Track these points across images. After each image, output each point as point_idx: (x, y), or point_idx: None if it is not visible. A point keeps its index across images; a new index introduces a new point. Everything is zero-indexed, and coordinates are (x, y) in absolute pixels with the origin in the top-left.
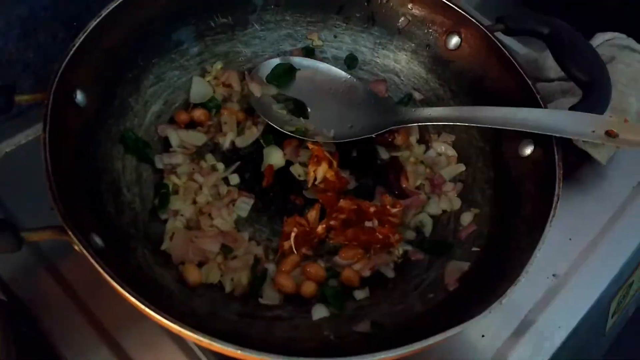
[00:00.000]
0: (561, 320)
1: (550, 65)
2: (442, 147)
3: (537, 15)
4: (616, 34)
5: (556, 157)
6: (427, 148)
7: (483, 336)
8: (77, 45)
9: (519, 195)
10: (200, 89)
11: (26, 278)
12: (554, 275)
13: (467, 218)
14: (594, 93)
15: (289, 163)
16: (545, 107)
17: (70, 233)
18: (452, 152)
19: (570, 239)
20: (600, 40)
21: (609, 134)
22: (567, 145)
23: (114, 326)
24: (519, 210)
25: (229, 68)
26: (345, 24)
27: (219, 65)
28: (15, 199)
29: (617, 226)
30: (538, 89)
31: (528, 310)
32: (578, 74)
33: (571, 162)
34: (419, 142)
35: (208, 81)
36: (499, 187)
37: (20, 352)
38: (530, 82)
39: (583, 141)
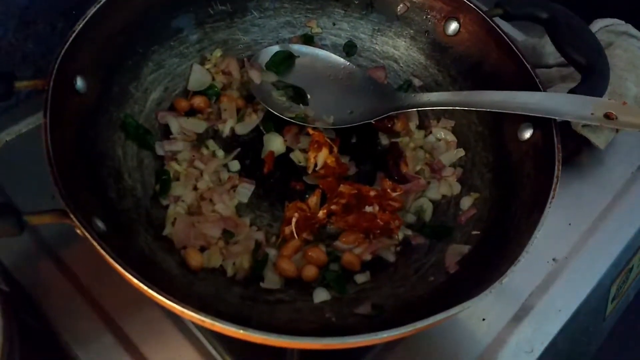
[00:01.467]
0: (561, 304)
1: (549, 52)
2: (442, 133)
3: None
4: (614, 20)
5: (555, 139)
6: (427, 133)
7: (484, 320)
8: (77, 31)
9: (518, 178)
10: (198, 76)
11: (29, 266)
12: (553, 259)
13: (466, 202)
14: (592, 76)
15: (289, 149)
16: (544, 91)
17: (72, 216)
18: (451, 137)
19: (569, 224)
20: (599, 27)
21: (608, 116)
22: (566, 131)
23: (118, 313)
24: (518, 193)
25: (228, 55)
26: (343, 11)
27: (218, 53)
28: (17, 187)
29: (616, 211)
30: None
31: (528, 295)
32: (576, 57)
33: (570, 147)
34: (419, 127)
35: (207, 69)
36: (498, 171)
37: (23, 341)
38: (529, 66)
39: (582, 126)
